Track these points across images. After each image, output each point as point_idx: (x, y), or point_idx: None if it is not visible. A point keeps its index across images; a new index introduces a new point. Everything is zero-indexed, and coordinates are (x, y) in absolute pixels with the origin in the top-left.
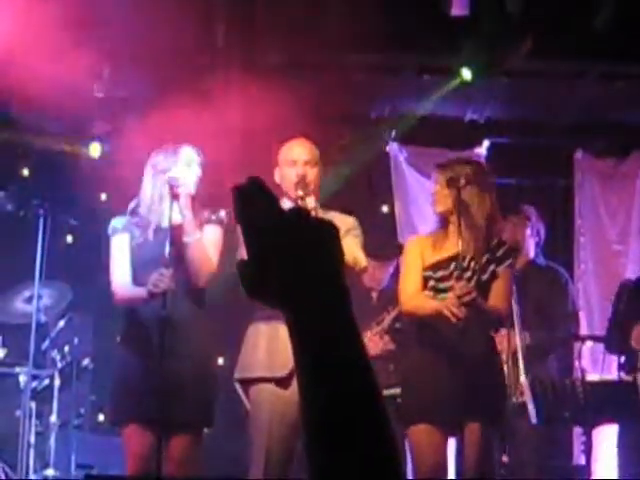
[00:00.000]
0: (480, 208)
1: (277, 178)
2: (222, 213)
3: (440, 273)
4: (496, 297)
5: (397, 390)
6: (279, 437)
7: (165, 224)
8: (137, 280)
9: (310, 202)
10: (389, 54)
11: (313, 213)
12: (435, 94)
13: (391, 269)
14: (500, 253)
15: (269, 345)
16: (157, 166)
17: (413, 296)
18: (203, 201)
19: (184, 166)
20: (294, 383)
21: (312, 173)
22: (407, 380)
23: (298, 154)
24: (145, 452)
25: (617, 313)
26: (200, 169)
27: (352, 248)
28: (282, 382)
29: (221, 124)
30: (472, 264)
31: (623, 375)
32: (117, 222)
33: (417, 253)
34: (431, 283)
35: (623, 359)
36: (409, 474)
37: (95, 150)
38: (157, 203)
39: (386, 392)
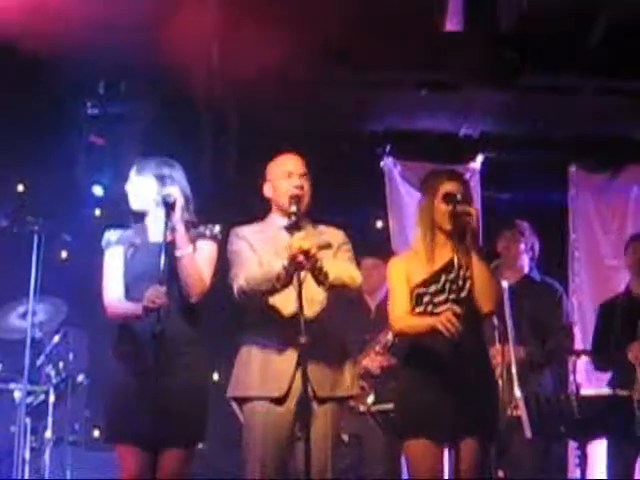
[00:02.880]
0: (472, 223)
1: (267, 192)
2: (216, 228)
3: (433, 287)
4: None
5: (390, 405)
6: (273, 455)
7: (157, 239)
8: (130, 294)
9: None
10: (384, 70)
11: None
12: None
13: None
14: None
15: (262, 370)
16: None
17: (402, 317)
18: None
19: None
20: (288, 401)
21: (306, 187)
22: (403, 394)
23: (294, 166)
24: (139, 469)
25: (602, 329)
26: (184, 183)
27: (347, 267)
28: (276, 400)
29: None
30: (462, 272)
31: (618, 391)
32: (111, 234)
33: (401, 274)
34: (426, 299)
35: (613, 374)
36: None
37: (99, 191)
38: (149, 218)
39: (387, 406)
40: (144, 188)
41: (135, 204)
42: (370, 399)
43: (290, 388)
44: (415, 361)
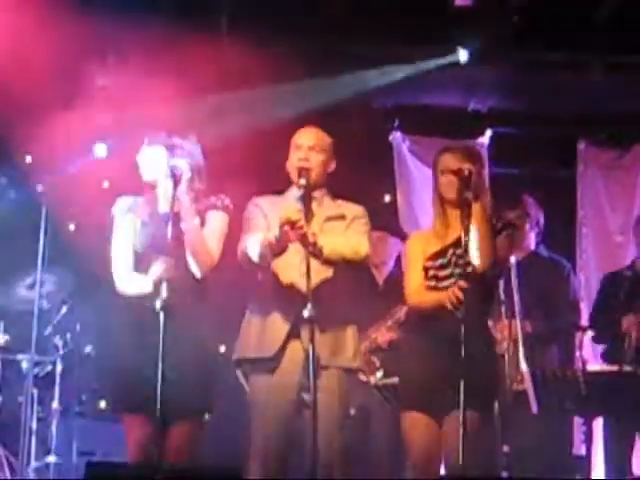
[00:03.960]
0: (484, 197)
1: (288, 165)
2: (227, 200)
3: (440, 261)
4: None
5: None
6: (277, 424)
7: (165, 210)
8: (138, 265)
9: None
10: (393, 45)
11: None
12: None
13: (396, 245)
14: (498, 227)
15: (259, 334)
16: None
17: (416, 291)
18: (207, 188)
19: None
20: (284, 363)
21: (316, 159)
22: (403, 367)
23: (303, 139)
24: (146, 440)
25: (601, 303)
26: (196, 155)
27: (355, 239)
28: (273, 364)
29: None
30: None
31: (625, 366)
32: (122, 203)
33: (419, 249)
34: (431, 272)
35: (605, 348)
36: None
37: (101, 150)
38: (159, 189)
39: (394, 380)
40: (154, 158)
41: (146, 175)
42: (379, 374)
43: (284, 349)
44: (416, 334)
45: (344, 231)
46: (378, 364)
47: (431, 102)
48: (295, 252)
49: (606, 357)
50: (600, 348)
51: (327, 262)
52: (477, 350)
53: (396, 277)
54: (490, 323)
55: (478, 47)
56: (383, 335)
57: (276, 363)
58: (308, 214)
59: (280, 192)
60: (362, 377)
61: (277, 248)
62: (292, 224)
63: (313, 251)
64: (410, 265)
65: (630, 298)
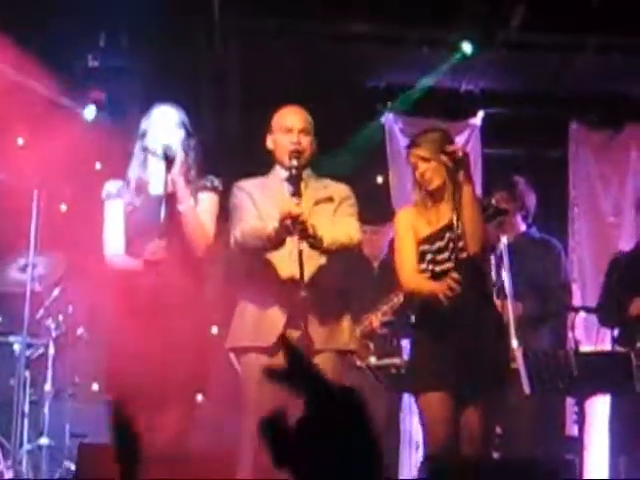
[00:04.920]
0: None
1: (270, 144)
2: (216, 181)
3: (437, 244)
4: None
5: (393, 360)
6: (270, 410)
7: (158, 191)
8: (130, 248)
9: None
10: (389, 25)
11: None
12: (436, 69)
13: (390, 233)
14: (489, 212)
15: (256, 322)
16: (139, 131)
17: (411, 277)
18: (198, 168)
19: (156, 126)
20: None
21: (306, 141)
22: (416, 352)
23: (292, 122)
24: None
25: (610, 286)
26: (183, 130)
27: (346, 223)
28: (270, 351)
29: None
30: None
31: (617, 347)
32: (111, 186)
33: (408, 225)
34: (429, 257)
35: (617, 332)
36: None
37: (90, 113)
38: (143, 170)
39: (387, 362)
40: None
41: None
42: (373, 359)
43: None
44: (424, 321)
45: (333, 214)
46: (372, 348)
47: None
48: (288, 240)
49: (619, 341)
50: (602, 331)
51: (326, 252)
52: (482, 333)
53: (388, 260)
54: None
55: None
56: (378, 320)
57: (272, 352)
58: (298, 197)
59: (254, 172)
60: (357, 361)
61: (276, 241)
62: (294, 219)
63: (315, 243)
64: (402, 243)
65: (630, 280)
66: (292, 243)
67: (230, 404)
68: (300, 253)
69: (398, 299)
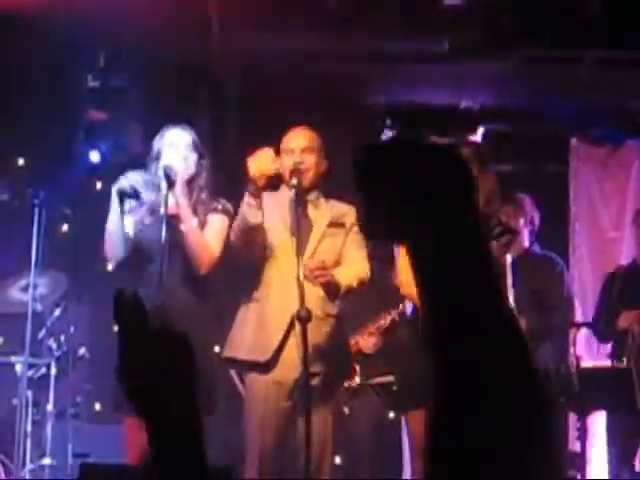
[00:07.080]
0: (480, 188)
1: (278, 167)
2: (228, 204)
3: None
4: None
5: (389, 378)
6: (273, 427)
7: (161, 211)
8: (132, 264)
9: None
10: (385, 41)
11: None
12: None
13: None
14: (496, 231)
15: (258, 320)
16: (151, 152)
17: (408, 282)
18: (210, 189)
19: (169, 147)
20: (279, 367)
21: (309, 160)
22: (403, 368)
23: (296, 142)
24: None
25: (606, 301)
26: (196, 152)
27: (356, 265)
28: (269, 367)
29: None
30: None
31: (617, 363)
32: (125, 182)
33: None
34: None
35: (611, 346)
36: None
37: (95, 157)
38: (150, 191)
39: (379, 380)
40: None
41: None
42: (358, 379)
43: (278, 356)
44: (411, 336)
45: (342, 241)
46: (358, 369)
47: (423, 100)
48: (287, 262)
49: (612, 354)
50: (607, 347)
51: (343, 298)
52: None
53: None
54: None
55: (469, 44)
56: (365, 340)
57: (270, 367)
58: (303, 218)
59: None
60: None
61: (254, 213)
62: (268, 178)
63: (334, 292)
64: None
65: (633, 296)
66: (292, 265)
67: (234, 419)
68: (298, 278)
69: (385, 321)
